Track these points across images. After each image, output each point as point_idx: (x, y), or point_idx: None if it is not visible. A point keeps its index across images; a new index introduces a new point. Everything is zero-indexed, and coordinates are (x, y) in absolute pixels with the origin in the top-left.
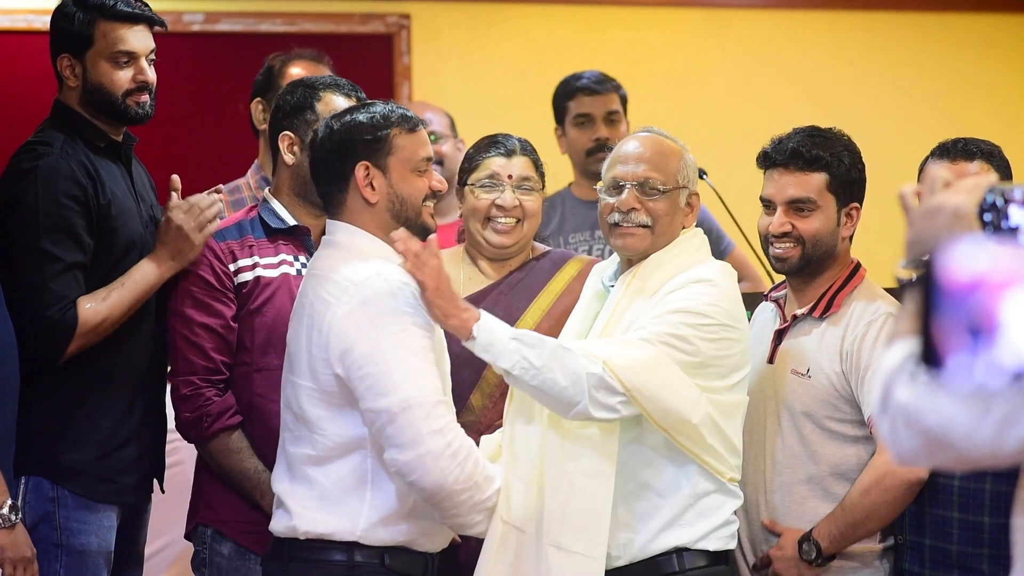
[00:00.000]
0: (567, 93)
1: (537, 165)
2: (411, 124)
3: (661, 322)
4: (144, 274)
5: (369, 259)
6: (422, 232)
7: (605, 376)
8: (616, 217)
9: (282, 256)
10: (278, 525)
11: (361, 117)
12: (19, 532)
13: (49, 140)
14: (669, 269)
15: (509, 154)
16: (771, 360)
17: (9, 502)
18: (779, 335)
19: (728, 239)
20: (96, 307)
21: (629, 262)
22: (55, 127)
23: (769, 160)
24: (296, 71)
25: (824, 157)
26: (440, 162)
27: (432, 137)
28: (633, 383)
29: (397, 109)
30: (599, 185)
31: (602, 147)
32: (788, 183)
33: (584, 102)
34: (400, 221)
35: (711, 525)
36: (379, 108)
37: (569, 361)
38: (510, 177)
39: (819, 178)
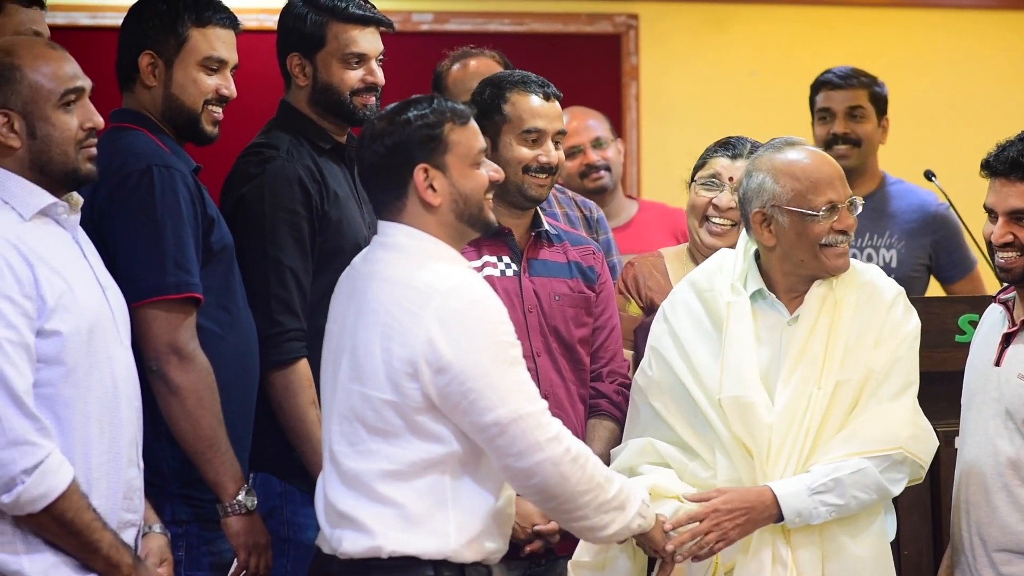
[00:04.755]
0: (815, 88)
1: None
2: (463, 117)
3: (910, 361)
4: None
5: (439, 261)
6: (485, 228)
7: (905, 466)
8: (839, 238)
9: (485, 258)
10: (354, 546)
11: (412, 117)
12: (254, 519)
13: (276, 143)
14: (849, 276)
15: (735, 156)
16: (998, 363)
17: (245, 488)
18: (1007, 338)
19: (972, 255)
20: (307, 392)
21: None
22: (281, 128)
23: (991, 169)
24: (456, 68)
25: None
26: (608, 167)
27: (596, 143)
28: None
29: (446, 103)
30: (812, 205)
31: (836, 141)
32: (1009, 193)
33: (827, 96)
34: (464, 220)
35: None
36: (427, 105)
37: (867, 476)
38: (731, 179)
39: None
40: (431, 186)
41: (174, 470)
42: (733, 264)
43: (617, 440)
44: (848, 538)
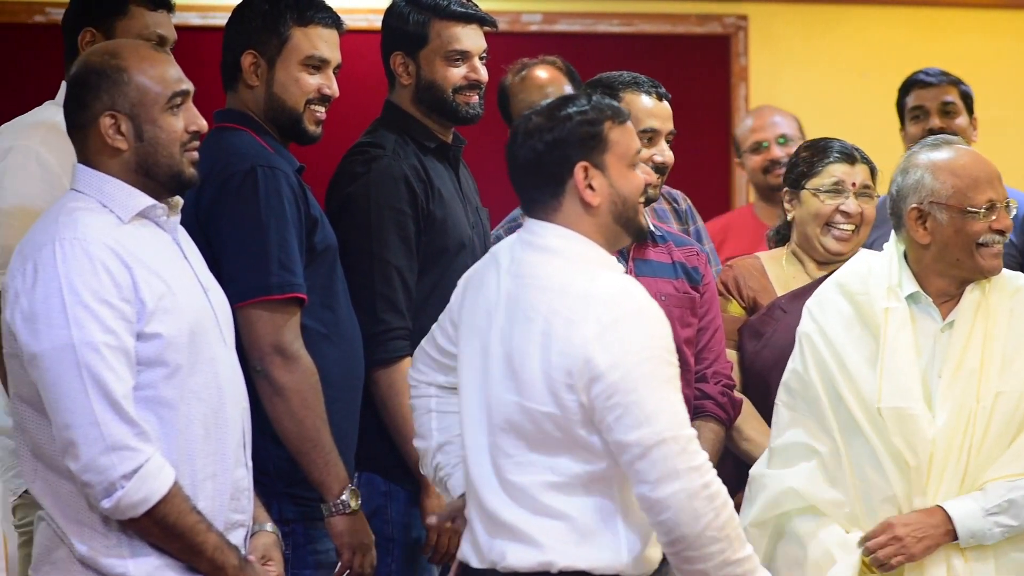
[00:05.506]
0: (904, 90)
1: (874, 173)
2: (622, 116)
3: None
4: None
5: (598, 267)
6: (637, 232)
7: None
8: (995, 238)
9: None
10: (520, 560)
11: (572, 113)
12: (358, 519)
13: (381, 142)
14: (1000, 282)
15: (852, 161)
16: None
17: (350, 487)
18: None
19: None
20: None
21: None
22: (386, 127)
23: None
24: (518, 80)
25: None
26: None
27: (781, 140)
28: None
29: (604, 100)
30: (972, 203)
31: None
32: None
33: (918, 95)
34: (620, 222)
35: None
36: (587, 101)
37: None
38: (854, 184)
39: None
40: (590, 186)
41: (280, 469)
42: (887, 267)
43: (722, 442)
44: (1019, 552)
